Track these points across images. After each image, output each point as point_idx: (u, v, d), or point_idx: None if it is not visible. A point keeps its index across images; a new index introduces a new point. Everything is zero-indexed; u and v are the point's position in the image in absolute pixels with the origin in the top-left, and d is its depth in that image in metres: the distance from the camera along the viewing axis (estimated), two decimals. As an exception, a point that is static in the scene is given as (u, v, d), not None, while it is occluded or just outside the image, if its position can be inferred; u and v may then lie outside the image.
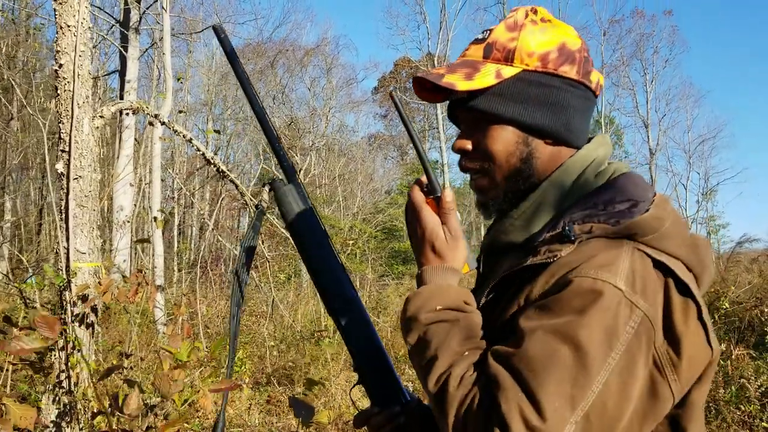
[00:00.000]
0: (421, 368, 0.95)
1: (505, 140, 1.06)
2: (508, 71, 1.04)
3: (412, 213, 1.06)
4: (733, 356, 5.14)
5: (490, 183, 1.09)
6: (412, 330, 0.97)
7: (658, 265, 0.92)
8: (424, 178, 1.08)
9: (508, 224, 1.08)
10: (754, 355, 5.43)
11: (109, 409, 1.83)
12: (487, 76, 1.03)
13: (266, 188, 1.20)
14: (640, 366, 0.89)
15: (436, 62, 22.96)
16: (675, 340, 0.91)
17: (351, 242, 13.93)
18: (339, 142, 29.54)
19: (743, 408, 4.06)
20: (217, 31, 1.20)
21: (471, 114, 1.08)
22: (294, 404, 1.94)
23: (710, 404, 4.20)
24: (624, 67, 31.00)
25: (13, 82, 11.46)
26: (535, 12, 1.07)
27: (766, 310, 6.54)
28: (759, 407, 4.01)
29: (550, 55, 1.03)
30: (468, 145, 1.09)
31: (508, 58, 1.04)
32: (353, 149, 30.60)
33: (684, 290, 0.92)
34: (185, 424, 5.06)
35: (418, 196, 1.06)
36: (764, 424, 3.86)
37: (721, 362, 4.76)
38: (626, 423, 0.90)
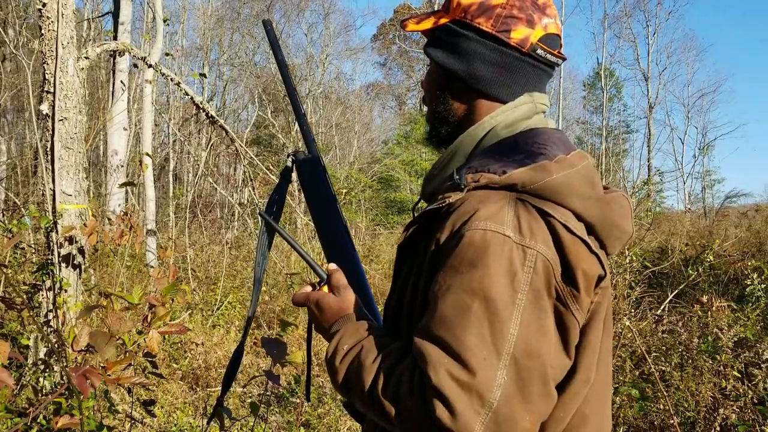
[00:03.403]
0: (358, 398, 1.01)
1: (431, 78, 1.22)
2: (443, 20, 1.17)
3: (308, 310, 1.20)
4: (713, 308, 5.21)
5: (426, 117, 1.26)
6: (338, 372, 1.04)
7: (541, 212, 0.98)
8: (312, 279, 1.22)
9: (430, 173, 1.20)
10: (735, 307, 5.51)
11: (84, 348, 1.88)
12: (428, 23, 1.19)
13: (289, 159, 1.37)
14: (546, 301, 0.95)
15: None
16: (572, 273, 0.97)
17: (344, 191, 13.95)
18: (336, 91, 29.28)
19: (717, 358, 4.15)
20: (265, 23, 1.44)
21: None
22: (265, 343, 1.99)
23: (684, 353, 4.29)
24: (626, 18, 30.63)
25: (5, 22, 11.26)
26: None
27: (750, 263, 6.61)
28: (732, 357, 4.10)
29: (471, 7, 1.13)
30: (422, 79, 1.28)
31: (447, 9, 1.18)
32: (350, 98, 30.35)
33: (571, 232, 0.98)
34: (174, 364, 5.18)
35: (298, 298, 1.21)
36: (735, 372, 3.95)
37: (700, 313, 4.84)
38: (553, 358, 0.96)
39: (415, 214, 1.22)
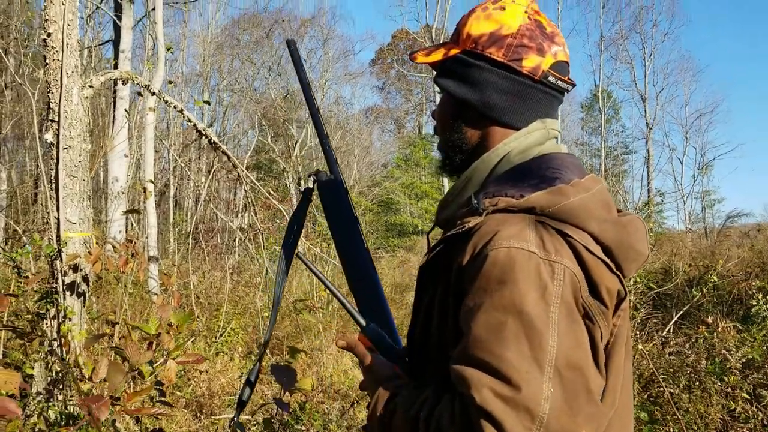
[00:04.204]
0: None
1: (443, 108, 1.24)
2: (453, 51, 1.20)
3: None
4: (719, 329, 5.19)
5: (438, 146, 1.28)
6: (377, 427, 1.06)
7: (561, 233, 0.98)
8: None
9: (445, 200, 1.21)
10: (740, 328, 5.50)
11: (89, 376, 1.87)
12: (438, 55, 1.21)
13: (311, 178, 1.37)
14: (578, 314, 0.95)
15: (433, 34, 22.72)
16: (596, 289, 0.98)
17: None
18: (335, 115, 29.43)
19: (725, 380, 4.12)
20: (289, 43, 1.47)
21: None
22: (275, 371, 1.98)
23: (692, 375, 4.27)
24: (623, 40, 30.86)
25: (6, 51, 11.35)
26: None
27: (754, 283, 6.60)
28: (740, 378, 4.07)
29: (482, 38, 1.16)
30: (434, 109, 1.29)
31: (456, 40, 1.21)
32: (350, 122, 30.50)
33: (591, 252, 0.99)
34: (178, 392, 5.14)
35: (347, 344, 1.21)
36: (744, 394, 3.93)
37: (706, 335, 4.82)
38: (593, 372, 0.94)
39: (429, 241, 1.22)
